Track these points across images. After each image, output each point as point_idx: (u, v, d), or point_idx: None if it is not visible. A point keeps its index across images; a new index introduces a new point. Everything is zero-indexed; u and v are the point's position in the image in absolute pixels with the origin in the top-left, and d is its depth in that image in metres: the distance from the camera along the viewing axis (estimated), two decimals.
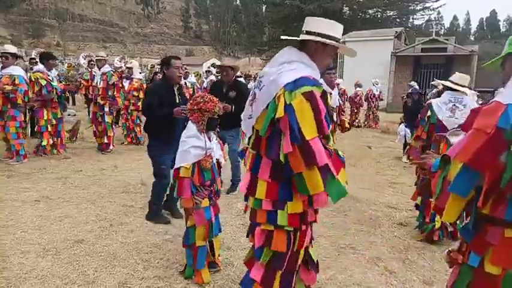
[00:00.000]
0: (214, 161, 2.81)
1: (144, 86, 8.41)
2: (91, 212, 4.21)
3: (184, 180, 2.65)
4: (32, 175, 5.56)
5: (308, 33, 1.90)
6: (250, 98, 2.03)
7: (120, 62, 11.58)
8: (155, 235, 3.65)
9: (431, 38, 20.57)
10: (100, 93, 7.15)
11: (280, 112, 1.71)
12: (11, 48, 6.32)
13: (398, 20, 36.78)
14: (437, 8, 42.55)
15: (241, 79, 11.87)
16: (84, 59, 12.06)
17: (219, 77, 8.69)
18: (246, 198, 2.04)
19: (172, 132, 3.80)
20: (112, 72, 7.32)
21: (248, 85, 10.96)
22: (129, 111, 8.21)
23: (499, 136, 1.26)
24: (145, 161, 3.94)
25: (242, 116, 2.10)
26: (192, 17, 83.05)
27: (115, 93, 7.21)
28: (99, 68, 7.35)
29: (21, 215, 4.05)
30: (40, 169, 5.90)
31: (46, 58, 6.71)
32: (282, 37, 2.03)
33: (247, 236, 2.14)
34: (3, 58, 6.11)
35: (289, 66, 1.82)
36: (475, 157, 1.29)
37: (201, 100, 2.71)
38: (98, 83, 7.20)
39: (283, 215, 1.84)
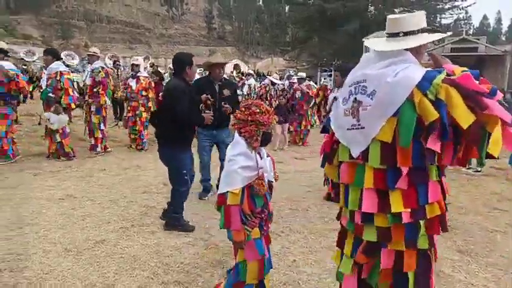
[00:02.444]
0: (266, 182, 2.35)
1: (152, 84, 7.89)
2: (113, 212, 4.20)
3: (233, 209, 2.16)
4: (57, 173, 5.63)
5: (407, 34, 1.73)
6: (345, 105, 1.77)
7: (144, 62, 11.71)
8: (176, 237, 3.58)
9: (461, 37, 19.86)
10: (88, 91, 6.88)
11: (433, 114, 1.50)
12: None
13: (425, 19, 35.80)
14: (467, 7, 41.08)
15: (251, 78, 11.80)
16: (110, 59, 12.28)
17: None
18: (368, 220, 1.72)
19: (191, 137, 3.76)
20: (100, 69, 6.94)
21: (249, 82, 10.76)
22: (138, 112, 7.44)
23: None
24: None
25: (332, 124, 1.85)
26: (215, 17, 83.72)
27: (100, 89, 6.81)
28: (90, 64, 7.11)
29: (45, 213, 4.07)
30: (66, 167, 5.98)
31: None
32: (381, 49, 1.73)
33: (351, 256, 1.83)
34: None
35: (402, 65, 1.64)
36: None
37: (258, 110, 2.23)
38: (86, 80, 6.96)
39: (424, 237, 1.67)
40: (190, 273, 2.97)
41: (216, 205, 2.24)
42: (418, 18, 1.79)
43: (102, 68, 7.06)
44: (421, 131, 1.54)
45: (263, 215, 2.34)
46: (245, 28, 77.59)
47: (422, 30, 1.76)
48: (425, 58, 1.88)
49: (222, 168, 4.77)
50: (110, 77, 7.15)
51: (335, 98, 4.69)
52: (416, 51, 1.71)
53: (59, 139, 6.33)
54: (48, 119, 6.14)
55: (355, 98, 1.72)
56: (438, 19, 36.93)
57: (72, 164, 6.18)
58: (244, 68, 13.07)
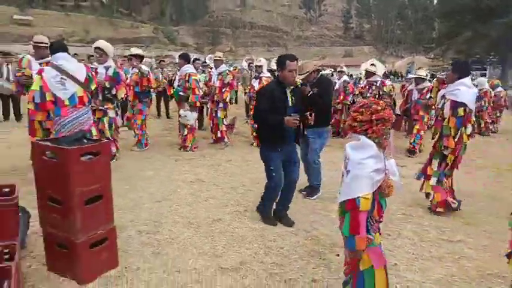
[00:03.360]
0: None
1: None
2: (232, 197, 4.72)
3: (363, 215, 2.06)
4: (192, 161, 6.55)
5: None
6: None
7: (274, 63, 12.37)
8: (281, 226, 3.84)
9: None
10: (216, 91, 7.66)
11: None
12: (136, 51, 7.36)
13: None
14: None
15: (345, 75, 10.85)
16: (246, 62, 13.38)
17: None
18: None
19: (284, 139, 3.70)
20: (227, 71, 7.78)
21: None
22: None
23: None
24: None
25: None
26: (353, 17, 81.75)
27: (227, 89, 7.65)
28: (216, 68, 7.85)
29: (179, 192, 4.84)
30: (200, 156, 6.88)
31: None
32: None
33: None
34: (130, 59, 7.20)
35: None
36: None
37: (379, 108, 2.12)
38: (214, 82, 7.72)
39: None
40: (288, 258, 3.19)
41: (343, 210, 2.15)
42: None
43: (229, 71, 7.97)
44: None
45: (381, 219, 2.26)
46: (385, 26, 73.58)
47: None
48: None
49: (309, 167, 4.85)
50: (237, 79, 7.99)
51: (443, 96, 4.21)
52: None
53: (186, 133, 7.19)
54: (185, 116, 7.06)
55: None
56: None
57: (205, 153, 7.08)
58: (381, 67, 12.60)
